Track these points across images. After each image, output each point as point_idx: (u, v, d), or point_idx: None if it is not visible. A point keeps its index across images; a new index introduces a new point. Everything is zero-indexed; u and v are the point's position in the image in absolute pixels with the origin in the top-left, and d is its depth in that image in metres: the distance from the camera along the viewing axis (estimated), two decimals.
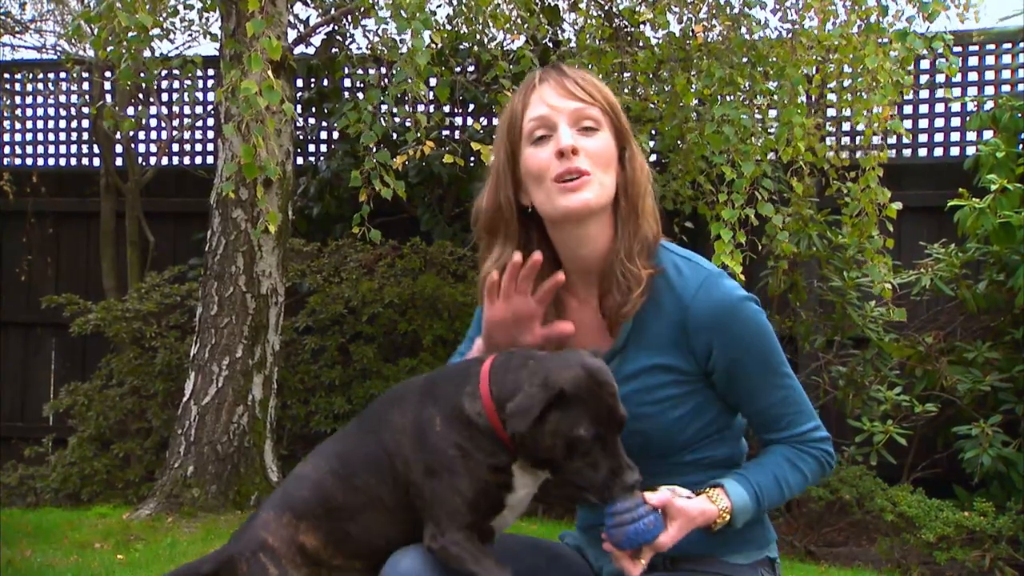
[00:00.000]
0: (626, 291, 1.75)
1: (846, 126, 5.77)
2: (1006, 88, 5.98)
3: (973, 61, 6.09)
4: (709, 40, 4.67)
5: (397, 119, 6.56)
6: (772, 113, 4.88)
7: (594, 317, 1.83)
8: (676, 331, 1.75)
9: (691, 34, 4.78)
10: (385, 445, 1.84)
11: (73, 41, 7.02)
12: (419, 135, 4.28)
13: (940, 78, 6.09)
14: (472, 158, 4.64)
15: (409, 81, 3.94)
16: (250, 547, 1.88)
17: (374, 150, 4.15)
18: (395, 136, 6.29)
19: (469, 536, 1.75)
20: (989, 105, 5.63)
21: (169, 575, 1.98)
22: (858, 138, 5.33)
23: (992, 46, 6.04)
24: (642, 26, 5.03)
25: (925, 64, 6.09)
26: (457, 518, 1.75)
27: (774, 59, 4.54)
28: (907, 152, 6.20)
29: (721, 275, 1.77)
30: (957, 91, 6.08)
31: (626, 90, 5.20)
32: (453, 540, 1.73)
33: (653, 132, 5.01)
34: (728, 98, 4.36)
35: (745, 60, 4.47)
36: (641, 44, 5.05)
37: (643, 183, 1.80)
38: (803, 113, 4.49)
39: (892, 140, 6.12)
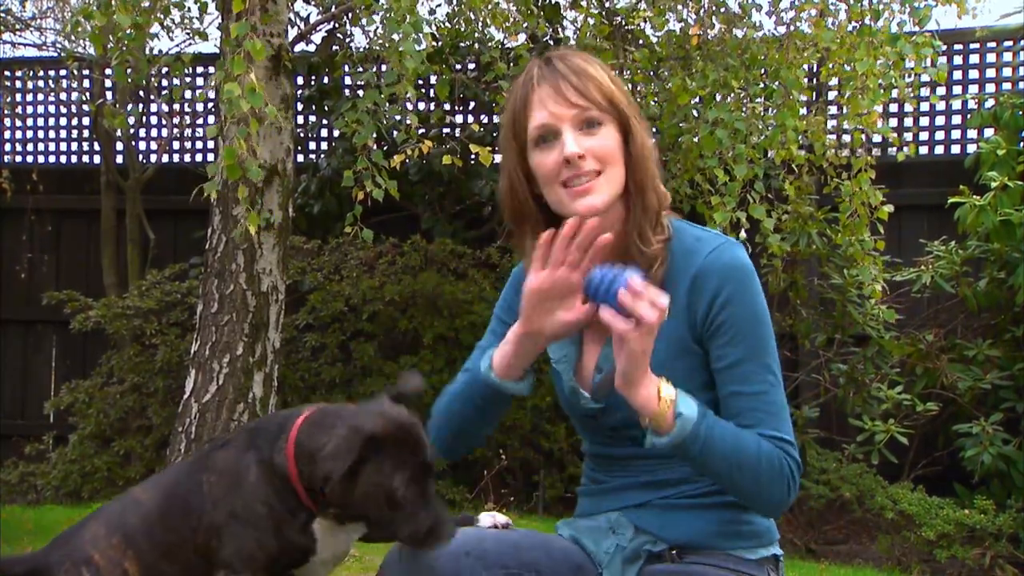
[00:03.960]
0: (645, 268, 1.74)
1: (845, 124, 5.76)
2: (1007, 86, 5.98)
3: (974, 59, 6.08)
4: (707, 41, 4.66)
5: (397, 118, 6.59)
6: (771, 111, 4.88)
7: None
8: (686, 294, 1.74)
9: (688, 35, 4.77)
10: (202, 488, 1.83)
11: (73, 38, 7.02)
12: (409, 136, 4.28)
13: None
14: (473, 157, 4.64)
15: (400, 82, 3.94)
16: (73, 558, 1.85)
17: (371, 150, 4.14)
18: (395, 134, 6.30)
19: None
20: (990, 103, 5.62)
21: None
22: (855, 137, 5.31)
23: (993, 44, 6.04)
24: (642, 23, 5.02)
25: (927, 62, 6.08)
26: (253, 564, 1.75)
27: (765, 59, 4.54)
28: (907, 149, 6.19)
29: (737, 244, 1.78)
30: (956, 90, 6.08)
31: (627, 87, 5.20)
32: None
33: (654, 130, 5.01)
34: (728, 99, 4.36)
35: (739, 63, 4.47)
36: (640, 42, 5.04)
37: (648, 162, 1.79)
38: (796, 115, 4.50)
39: (908, 127, 6.13)
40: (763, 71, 4.74)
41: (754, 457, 1.69)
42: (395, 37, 3.88)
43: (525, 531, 1.87)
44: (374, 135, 4.19)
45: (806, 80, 4.82)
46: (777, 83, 4.58)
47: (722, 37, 4.51)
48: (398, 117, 4.67)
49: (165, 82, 7.15)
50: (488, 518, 1.85)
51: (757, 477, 1.69)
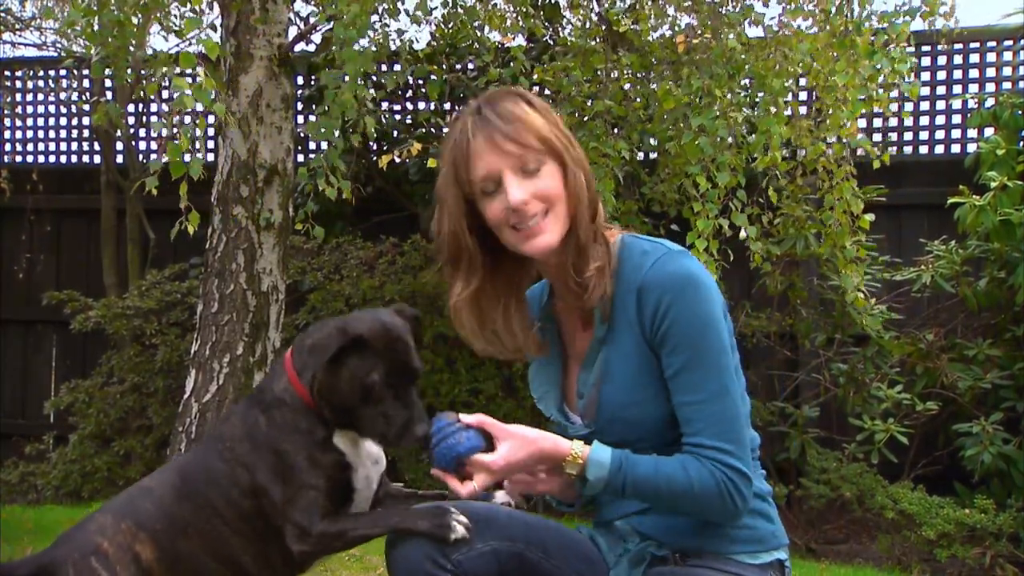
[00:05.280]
0: (579, 294, 1.81)
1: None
2: (1007, 85, 5.98)
3: (974, 58, 6.08)
4: (693, 48, 4.67)
5: (397, 117, 6.59)
6: (756, 117, 4.88)
7: (578, 317, 1.91)
8: (635, 309, 1.77)
9: (675, 42, 4.77)
10: (222, 456, 1.87)
11: (71, 37, 7.02)
12: (360, 141, 4.36)
13: (941, 75, 6.10)
14: None
15: (343, 84, 4.00)
16: (81, 550, 1.86)
17: (325, 149, 4.19)
18: (396, 134, 6.30)
19: (333, 519, 1.80)
20: (990, 102, 5.62)
21: None
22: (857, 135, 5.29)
23: (993, 43, 6.03)
24: (634, 26, 5.02)
25: (926, 62, 6.09)
26: (316, 510, 1.79)
27: (750, 68, 4.55)
28: (908, 149, 6.20)
29: (684, 253, 1.80)
30: (956, 90, 6.08)
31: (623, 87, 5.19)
32: (322, 528, 1.78)
33: (640, 135, 5.00)
34: (714, 106, 4.38)
35: (724, 71, 4.48)
36: (629, 48, 5.04)
37: (581, 197, 1.81)
38: (781, 122, 4.50)
39: (893, 137, 6.14)
40: (749, 80, 4.77)
41: (685, 486, 1.72)
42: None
43: (541, 517, 1.90)
44: (337, 133, 4.22)
45: (793, 82, 4.81)
46: (761, 93, 4.60)
47: (708, 45, 4.51)
48: (397, 117, 4.68)
49: (166, 82, 7.14)
50: (503, 496, 1.90)
51: (695, 502, 1.73)
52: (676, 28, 4.95)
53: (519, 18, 5.17)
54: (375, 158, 4.83)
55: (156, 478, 1.96)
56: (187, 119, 3.85)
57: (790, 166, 4.89)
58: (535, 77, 5.09)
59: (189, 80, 3.62)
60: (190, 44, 6.75)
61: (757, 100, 4.81)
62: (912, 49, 4.76)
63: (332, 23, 4.12)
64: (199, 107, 3.71)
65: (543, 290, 2.00)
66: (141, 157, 7.16)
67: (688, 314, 1.73)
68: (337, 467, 1.83)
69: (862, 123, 5.64)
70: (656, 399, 1.77)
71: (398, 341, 1.81)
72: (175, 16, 5.11)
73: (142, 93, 5.84)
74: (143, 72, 3.52)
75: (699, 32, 4.63)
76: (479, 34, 5.18)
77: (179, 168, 3.80)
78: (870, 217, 4.86)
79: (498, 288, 1.88)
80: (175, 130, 3.86)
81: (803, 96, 5.82)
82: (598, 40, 5.03)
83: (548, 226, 1.79)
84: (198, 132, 3.78)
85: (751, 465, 1.76)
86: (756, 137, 4.52)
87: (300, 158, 6.72)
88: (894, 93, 5.05)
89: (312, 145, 7.05)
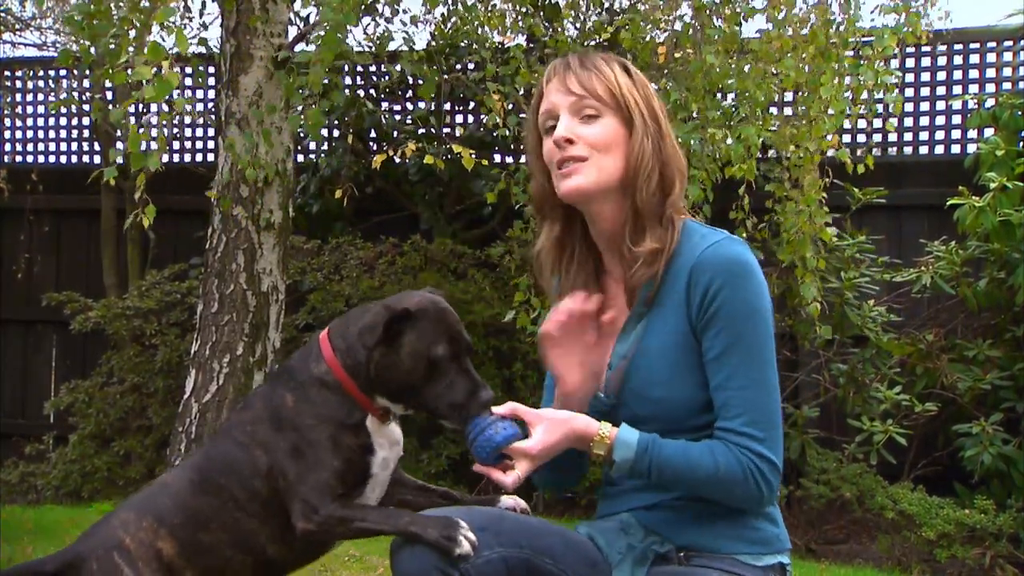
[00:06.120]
0: (630, 266, 1.81)
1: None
2: (1007, 86, 5.98)
3: (974, 59, 6.08)
4: (673, 60, 4.68)
5: (397, 117, 6.59)
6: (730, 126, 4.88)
7: (619, 289, 1.90)
8: (684, 288, 1.77)
9: (654, 54, 4.77)
10: (238, 441, 1.87)
11: (71, 36, 7.01)
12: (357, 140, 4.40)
13: (941, 76, 6.10)
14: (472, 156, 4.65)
15: (316, 67, 4.03)
16: (104, 545, 1.87)
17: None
18: (396, 134, 6.30)
19: (344, 503, 1.78)
20: (990, 103, 5.62)
21: (7, 572, 1.95)
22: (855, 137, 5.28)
23: (993, 43, 6.04)
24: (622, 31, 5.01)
25: (926, 62, 6.09)
26: (327, 491, 1.78)
27: (733, 81, 4.57)
28: (908, 149, 6.20)
29: (742, 243, 1.81)
30: (956, 90, 6.07)
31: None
32: (329, 511, 1.76)
33: None
34: (688, 121, 4.39)
35: (702, 86, 4.49)
36: (620, 53, 5.04)
37: (644, 161, 1.81)
38: (759, 131, 4.50)
39: (893, 137, 6.14)
40: (727, 95, 4.78)
41: (711, 472, 1.73)
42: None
43: (544, 520, 1.89)
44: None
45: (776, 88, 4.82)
46: (733, 104, 4.61)
47: (686, 58, 4.53)
48: (398, 117, 4.70)
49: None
50: (509, 500, 1.89)
51: (720, 486, 1.74)
52: (653, 39, 4.93)
53: (519, 18, 5.17)
54: (374, 158, 4.82)
55: (175, 473, 1.97)
56: (154, 117, 3.86)
57: (777, 170, 4.86)
58: (535, 78, 5.09)
59: (153, 71, 3.58)
60: (189, 45, 6.76)
61: (738, 114, 4.81)
62: (912, 50, 4.76)
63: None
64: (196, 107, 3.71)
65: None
66: (117, 159, 7.15)
67: (738, 299, 1.73)
68: (359, 451, 1.83)
69: (847, 124, 5.59)
70: (684, 382, 1.77)
71: (447, 312, 1.81)
72: (175, 17, 5.11)
73: (108, 77, 5.84)
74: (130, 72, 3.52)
75: (676, 43, 4.64)
76: (479, 33, 5.17)
77: (138, 160, 3.80)
78: (833, 231, 4.85)
79: (572, 238, 1.91)
80: (130, 120, 3.85)
81: (788, 97, 5.75)
82: (591, 44, 5.03)
83: (584, 169, 1.81)
84: (162, 127, 3.76)
85: (781, 455, 1.76)
86: (734, 145, 4.50)
87: (300, 158, 6.73)
88: (879, 104, 5.04)
89: (312, 146, 7.06)
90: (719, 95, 4.89)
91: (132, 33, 3.92)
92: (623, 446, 1.75)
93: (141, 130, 3.71)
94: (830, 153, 4.91)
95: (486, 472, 1.75)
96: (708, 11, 4.58)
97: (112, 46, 3.86)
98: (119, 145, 7.15)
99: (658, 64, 4.77)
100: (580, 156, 1.80)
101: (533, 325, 4.56)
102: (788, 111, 5.33)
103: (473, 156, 4.63)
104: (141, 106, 7.10)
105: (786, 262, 4.88)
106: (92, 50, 4.09)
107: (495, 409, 1.77)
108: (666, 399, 1.79)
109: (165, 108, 4.64)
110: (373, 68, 6.46)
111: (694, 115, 4.54)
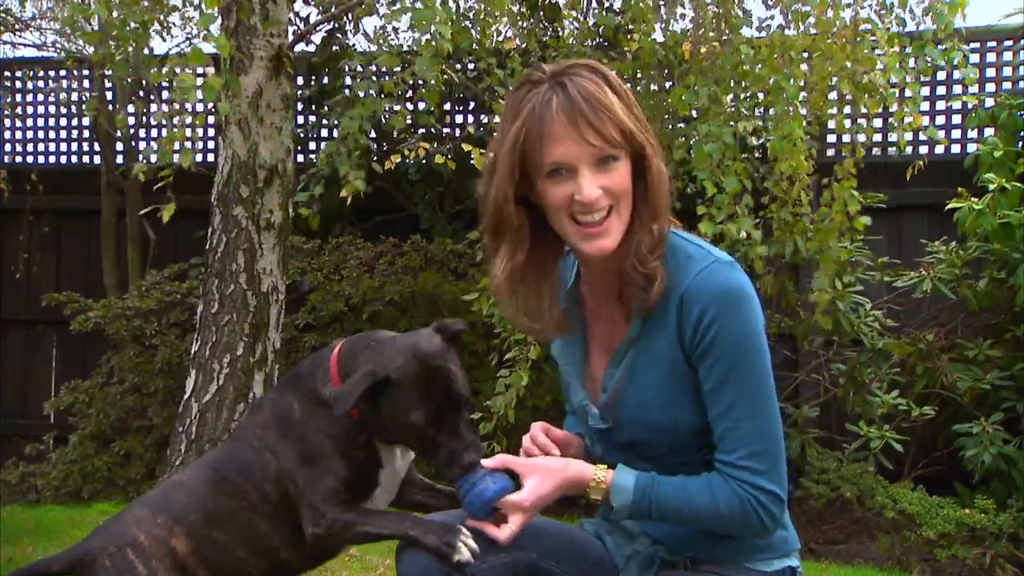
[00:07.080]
0: (645, 287, 1.72)
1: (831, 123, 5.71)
2: (1006, 86, 5.97)
3: (974, 58, 6.08)
4: (698, 54, 4.65)
5: (396, 108, 6.58)
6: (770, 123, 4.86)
7: (612, 308, 1.83)
8: (675, 315, 1.71)
9: (680, 49, 4.76)
10: (251, 443, 1.89)
11: (71, 37, 7.02)
12: (403, 134, 4.37)
13: (940, 76, 6.10)
14: (472, 158, 4.65)
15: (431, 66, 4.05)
16: (117, 542, 1.87)
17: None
18: (396, 134, 6.30)
19: (348, 508, 1.81)
20: (989, 103, 5.62)
21: (18, 572, 1.94)
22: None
23: (992, 43, 6.03)
24: (627, 34, 5.01)
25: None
26: (334, 496, 1.81)
27: (760, 69, 4.54)
28: (908, 150, 6.19)
29: (732, 264, 1.73)
30: (956, 90, 6.07)
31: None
32: (335, 516, 1.80)
33: None
34: (720, 114, 4.38)
35: (729, 76, 4.47)
36: (621, 53, 5.03)
37: (663, 189, 1.74)
38: (800, 125, 4.47)
39: (902, 137, 6.12)
40: (758, 90, 4.76)
41: (710, 507, 1.70)
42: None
43: (551, 520, 1.89)
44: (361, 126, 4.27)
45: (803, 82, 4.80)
46: (762, 94, 4.59)
47: (713, 51, 4.50)
48: (397, 107, 4.72)
49: (166, 82, 7.15)
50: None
51: (721, 522, 1.72)
52: (670, 33, 4.92)
53: (520, 19, 5.17)
54: (375, 158, 4.83)
55: (189, 472, 1.98)
56: (188, 118, 3.89)
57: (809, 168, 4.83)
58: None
59: (190, 74, 3.63)
60: (189, 43, 6.76)
61: (760, 104, 4.79)
62: (911, 50, 4.74)
63: (334, 23, 4.15)
64: (199, 106, 3.75)
65: (572, 267, 1.91)
66: (141, 157, 7.16)
67: (733, 330, 1.68)
68: (367, 462, 1.85)
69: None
70: (680, 407, 1.73)
71: (437, 372, 1.76)
72: (175, 19, 5.12)
73: (143, 83, 5.85)
74: (144, 72, 3.55)
75: (699, 35, 4.62)
76: (485, 34, 5.17)
77: (165, 156, 3.84)
78: (866, 220, 4.82)
79: (536, 263, 1.79)
80: (175, 120, 3.90)
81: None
82: (591, 44, 5.03)
83: (611, 226, 1.71)
84: (198, 129, 3.81)
85: (785, 486, 1.72)
86: (774, 142, 4.47)
87: (300, 158, 6.73)
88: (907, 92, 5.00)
89: (312, 146, 7.06)
90: (745, 87, 4.84)
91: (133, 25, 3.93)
92: (620, 492, 1.73)
93: (176, 130, 3.76)
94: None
95: (480, 527, 1.72)
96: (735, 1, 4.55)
97: (127, 47, 3.89)
98: (119, 145, 7.17)
99: (680, 60, 4.75)
100: (604, 208, 1.70)
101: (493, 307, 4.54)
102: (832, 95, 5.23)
103: (483, 155, 4.63)
104: (164, 107, 7.15)
105: (813, 251, 4.84)
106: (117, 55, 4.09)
107: (485, 462, 1.74)
108: (661, 424, 1.75)
109: (195, 108, 4.65)
110: (373, 68, 6.46)
111: (728, 109, 4.51)
